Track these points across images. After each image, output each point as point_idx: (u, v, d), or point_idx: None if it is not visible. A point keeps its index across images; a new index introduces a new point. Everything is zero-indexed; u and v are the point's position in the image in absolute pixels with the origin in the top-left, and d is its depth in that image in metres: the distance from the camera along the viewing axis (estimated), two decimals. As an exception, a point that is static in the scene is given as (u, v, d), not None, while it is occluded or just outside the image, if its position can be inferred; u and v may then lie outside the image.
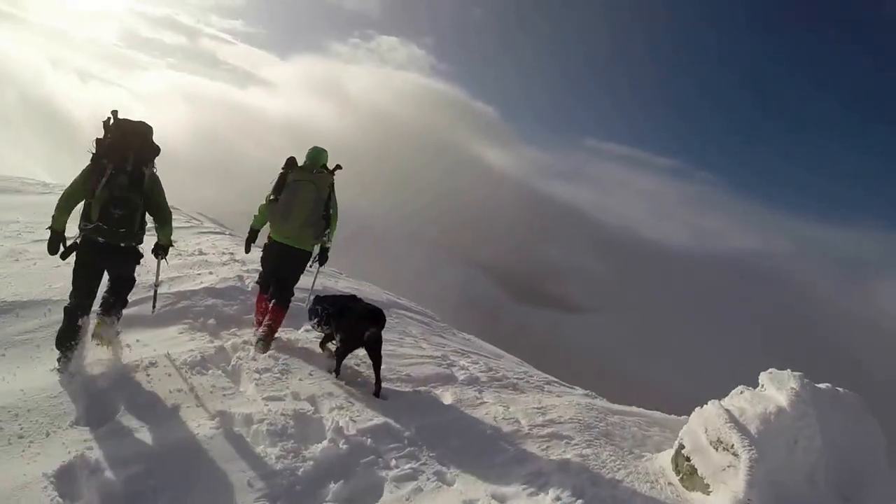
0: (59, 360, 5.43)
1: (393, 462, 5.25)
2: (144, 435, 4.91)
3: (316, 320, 6.88)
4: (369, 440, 5.45)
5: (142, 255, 5.81)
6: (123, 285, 5.91)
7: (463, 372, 7.52)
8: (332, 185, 7.06)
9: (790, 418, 5.61)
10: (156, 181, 5.57)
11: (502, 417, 6.40)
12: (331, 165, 7.13)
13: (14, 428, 4.61)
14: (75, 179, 5.33)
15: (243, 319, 7.78)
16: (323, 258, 7.37)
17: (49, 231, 5.57)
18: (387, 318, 6.99)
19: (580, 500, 4.89)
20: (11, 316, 6.50)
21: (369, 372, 6.74)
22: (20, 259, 8.37)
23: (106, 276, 5.88)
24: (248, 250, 7.68)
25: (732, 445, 5.37)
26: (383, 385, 6.53)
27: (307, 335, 7.74)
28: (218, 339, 7.04)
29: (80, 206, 5.46)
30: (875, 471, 5.88)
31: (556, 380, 9.32)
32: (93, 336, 5.67)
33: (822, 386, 6.11)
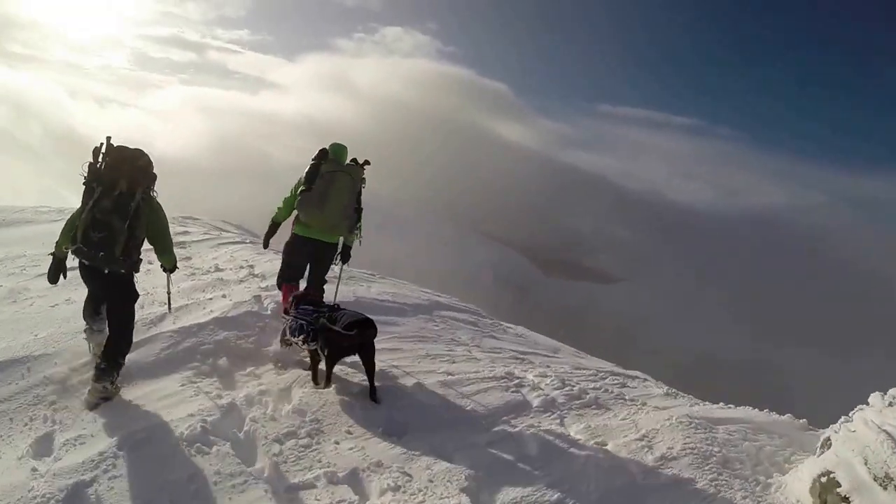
0: (85, 330, 6.07)
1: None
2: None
3: (302, 337, 6.12)
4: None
5: (135, 294, 5.78)
6: (118, 322, 5.70)
7: (535, 394, 6.24)
8: (364, 179, 7.00)
9: None
10: (152, 208, 5.52)
11: (607, 465, 5.02)
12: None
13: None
14: (79, 206, 5.35)
15: (260, 354, 6.83)
16: (345, 256, 7.28)
17: (51, 258, 5.72)
18: (434, 324, 7.25)
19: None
20: (-17, 378, 5.70)
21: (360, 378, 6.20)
22: (18, 300, 7.93)
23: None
24: (266, 245, 7.49)
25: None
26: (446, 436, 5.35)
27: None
28: (229, 389, 5.97)
29: None
30: None
31: (621, 370, 8.45)
32: (85, 398, 5.49)
33: None
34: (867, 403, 5.15)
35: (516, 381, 6.55)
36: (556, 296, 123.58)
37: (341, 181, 6.75)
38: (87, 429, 5.00)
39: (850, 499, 4.38)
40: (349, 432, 5.28)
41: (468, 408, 5.90)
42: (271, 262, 9.80)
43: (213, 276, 9.30)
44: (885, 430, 4.47)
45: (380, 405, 5.79)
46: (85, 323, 6.01)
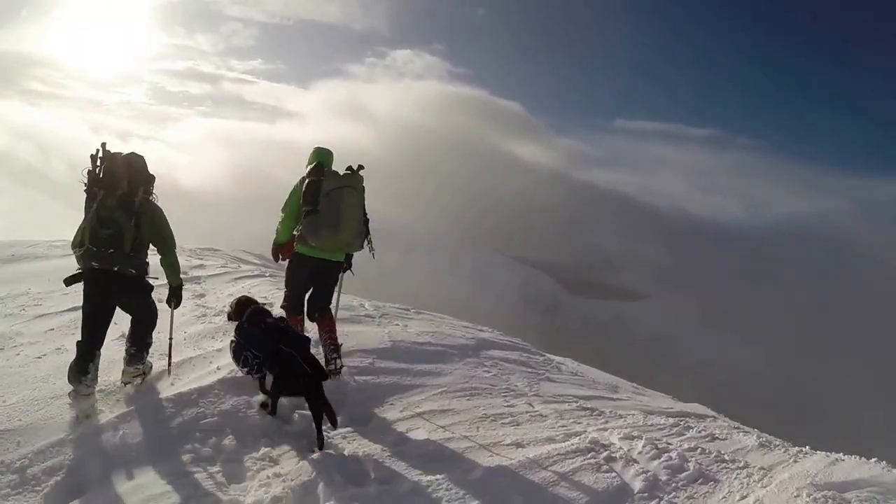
0: (69, 393, 5.52)
1: None
2: None
3: (246, 369, 5.67)
4: None
5: (150, 286, 5.91)
6: (140, 321, 6.03)
7: (632, 471, 4.90)
8: (364, 187, 6.65)
9: None
10: (153, 208, 5.69)
11: None
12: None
13: None
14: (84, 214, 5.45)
15: (277, 427, 5.61)
16: (348, 265, 7.04)
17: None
18: (484, 370, 6.84)
19: None
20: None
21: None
22: (5, 347, 7.21)
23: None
24: (276, 259, 7.19)
25: None
26: None
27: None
28: (236, 481, 4.66)
29: None
30: None
31: (687, 409, 7.58)
32: (121, 380, 5.95)
33: None
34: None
35: (604, 452, 5.21)
36: (582, 315, 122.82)
37: (350, 198, 6.41)
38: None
39: None
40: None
41: (561, 500, 4.62)
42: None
43: (224, 320, 8.19)
44: None
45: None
46: (71, 385, 5.52)
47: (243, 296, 6.38)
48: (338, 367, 6.50)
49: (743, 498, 4.72)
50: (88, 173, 5.46)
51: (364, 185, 6.62)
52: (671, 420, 6.60)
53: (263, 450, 5.13)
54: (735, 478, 5.09)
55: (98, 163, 5.46)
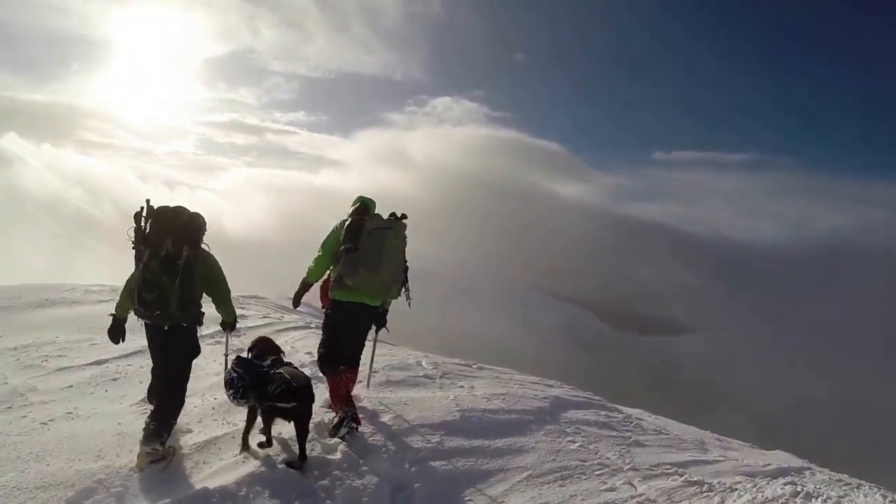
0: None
1: None
2: None
3: (232, 392, 5.29)
4: None
5: (196, 348, 5.74)
6: (170, 378, 5.64)
7: None
8: (406, 235, 6.38)
9: None
10: (204, 261, 5.51)
11: None
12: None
13: None
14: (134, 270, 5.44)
15: None
16: (382, 320, 6.59)
17: (110, 317, 5.76)
18: (568, 439, 6.07)
19: None
20: None
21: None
22: (14, 406, 6.58)
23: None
24: (296, 305, 6.82)
25: None
26: None
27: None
28: None
29: None
30: None
31: (802, 464, 6.96)
32: (136, 463, 5.21)
33: None
34: None
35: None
36: (629, 352, 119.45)
37: (393, 240, 6.17)
38: None
39: None
40: None
41: None
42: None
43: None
44: None
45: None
46: (148, 402, 5.71)
47: (262, 336, 6.21)
48: (351, 428, 5.81)
49: None
50: (135, 231, 5.35)
51: (406, 233, 6.37)
52: (784, 488, 5.93)
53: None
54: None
55: (143, 221, 5.35)
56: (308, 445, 5.34)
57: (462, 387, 7.76)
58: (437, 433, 6.10)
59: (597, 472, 5.75)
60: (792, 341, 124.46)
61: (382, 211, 6.37)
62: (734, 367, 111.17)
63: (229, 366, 5.56)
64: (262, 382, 5.20)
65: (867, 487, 6.34)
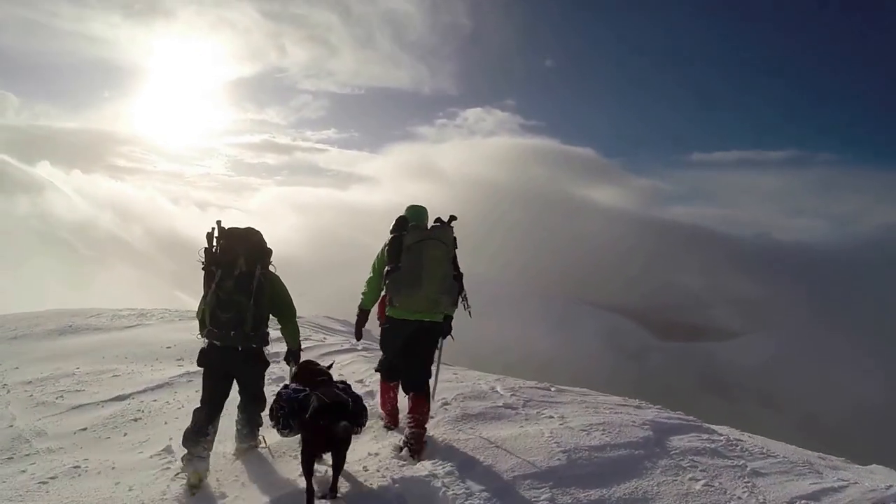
0: (183, 457, 5.25)
1: None
2: None
3: (273, 422, 5.06)
4: None
5: (267, 363, 5.71)
6: (250, 399, 5.70)
7: None
8: (455, 239, 6.02)
9: None
10: (272, 281, 5.53)
11: None
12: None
13: None
14: (203, 293, 5.37)
15: None
16: (447, 329, 6.07)
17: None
18: (690, 476, 5.17)
19: None
20: None
21: None
22: (16, 456, 5.85)
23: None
24: (359, 336, 6.49)
25: None
26: None
27: None
28: None
29: None
30: None
31: None
32: (233, 453, 5.70)
33: None
34: None
35: None
36: (676, 360, 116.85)
37: (433, 250, 5.78)
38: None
39: None
40: None
41: None
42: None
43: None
44: None
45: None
46: (186, 448, 5.27)
47: (306, 360, 5.79)
48: (415, 458, 5.39)
49: None
50: (206, 252, 5.32)
51: (455, 237, 6.00)
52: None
53: None
54: None
55: (214, 241, 5.32)
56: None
57: (551, 417, 6.51)
58: (544, 485, 4.87)
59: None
60: (845, 344, 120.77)
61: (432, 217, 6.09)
62: (783, 371, 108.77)
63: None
64: (302, 407, 4.80)
65: None
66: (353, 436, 4.85)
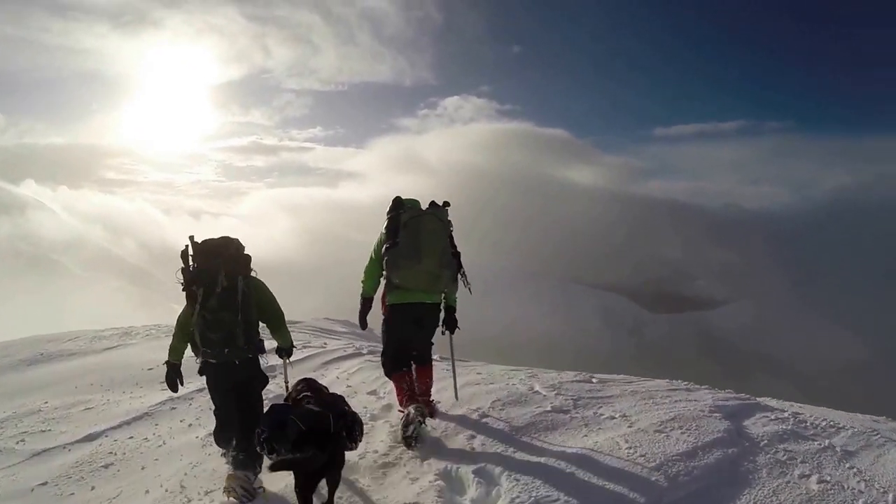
0: (223, 454, 5.28)
1: None
2: None
3: (258, 448, 4.18)
4: None
5: (266, 379, 5.31)
6: (251, 410, 5.10)
7: None
8: (451, 221, 5.93)
9: None
10: (256, 288, 5.20)
11: None
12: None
13: None
14: (181, 312, 5.14)
15: None
16: (451, 322, 5.91)
17: (165, 365, 5.11)
18: (796, 472, 4.42)
19: None
20: None
21: None
22: None
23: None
24: (364, 325, 6.26)
25: None
26: None
27: None
28: None
29: None
30: None
31: None
32: (223, 490, 4.84)
33: None
34: None
35: None
36: (667, 331, 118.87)
37: (430, 224, 5.76)
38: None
39: None
40: None
41: None
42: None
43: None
44: None
45: None
46: (221, 449, 5.29)
47: (301, 380, 5.10)
48: (419, 423, 5.37)
49: None
50: (183, 272, 5.05)
51: (450, 218, 5.97)
52: None
53: None
54: None
55: (190, 259, 5.05)
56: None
57: (613, 418, 5.48)
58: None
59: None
60: (820, 302, 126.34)
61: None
62: (770, 332, 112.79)
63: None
64: (282, 428, 4.21)
65: None
66: (350, 448, 4.31)
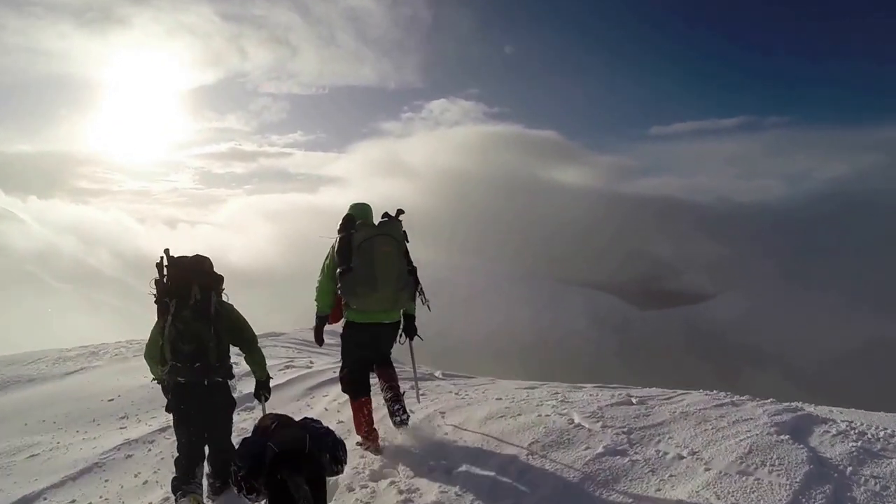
0: (176, 495, 4.80)
1: None
2: None
3: (237, 489, 3.64)
4: None
5: (234, 403, 5.22)
6: (222, 436, 5.08)
7: None
8: (406, 233, 5.77)
9: None
10: (228, 309, 5.17)
11: None
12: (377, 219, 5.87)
13: None
14: (153, 327, 5.05)
15: None
16: (410, 329, 5.93)
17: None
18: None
19: None
20: None
21: None
22: None
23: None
24: (319, 342, 6.16)
25: None
26: None
27: None
28: None
29: None
30: None
31: None
32: None
33: None
34: None
35: None
36: (656, 327, 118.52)
37: (384, 246, 5.54)
38: None
39: None
40: None
41: None
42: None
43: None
44: None
45: None
46: (176, 493, 4.72)
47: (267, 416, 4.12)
48: (403, 419, 5.71)
49: None
50: (156, 283, 4.96)
51: (405, 230, 5.82)
52: None
53: None
54: None
55: (164, 271, 4.96)
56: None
57: (682, 458, 4.57)
58: None
59: None
60: (810, 293, 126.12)
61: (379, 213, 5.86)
62: (758, 325, 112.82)
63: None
64: (260, 458, 3.72)
65: None
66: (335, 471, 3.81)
